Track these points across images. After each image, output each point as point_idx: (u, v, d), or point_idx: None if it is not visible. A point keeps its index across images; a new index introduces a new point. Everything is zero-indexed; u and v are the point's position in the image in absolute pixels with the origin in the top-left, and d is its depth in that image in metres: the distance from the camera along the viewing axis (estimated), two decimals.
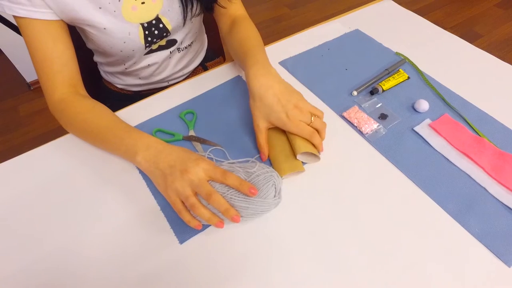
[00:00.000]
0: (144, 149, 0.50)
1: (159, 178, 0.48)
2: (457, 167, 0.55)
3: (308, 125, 0.53)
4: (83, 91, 0.62)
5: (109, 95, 0.85)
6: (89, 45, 0.69)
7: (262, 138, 0.55)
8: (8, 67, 1.79)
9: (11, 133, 1.66)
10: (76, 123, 0.58)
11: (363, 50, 0.77)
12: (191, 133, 0.61)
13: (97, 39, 0.62)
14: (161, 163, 0.48)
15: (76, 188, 0.54)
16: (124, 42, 0.63)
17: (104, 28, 0.59)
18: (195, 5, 0.67)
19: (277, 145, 0.55)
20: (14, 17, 0.54)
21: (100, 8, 0.58)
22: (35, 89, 1.87)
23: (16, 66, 1.76)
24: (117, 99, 0.84)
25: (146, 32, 0.64)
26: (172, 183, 0.45)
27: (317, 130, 0.54)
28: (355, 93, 0.67)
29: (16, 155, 0.59)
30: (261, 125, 0.55)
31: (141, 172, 0.56)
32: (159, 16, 0.64)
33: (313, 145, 0.54)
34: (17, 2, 0.52)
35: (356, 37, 0.81)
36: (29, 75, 1.83)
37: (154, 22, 0.64)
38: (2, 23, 1.31)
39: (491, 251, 0.46)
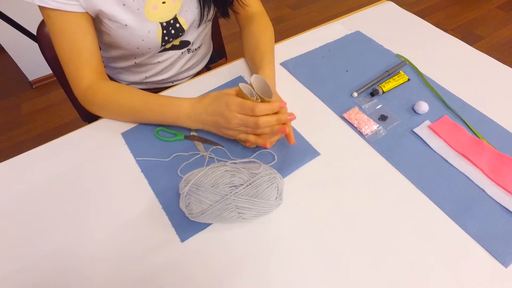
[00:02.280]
0: (186, 117, 0.58)
1: (213, 130, 0.57)
2: (456, 168, 0.55)
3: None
4: (107, 77, 0.65)
5: None
6: (104, 40, 0.70)
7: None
8: (11, 66, 1.79)
9: (13, 131, 1.67)
10: (108, 106, 0.61)
11: (364, 52, 0.77)
12: (193, 132, 0.61)
13: (116, 34, 0.63)
14: (207, 123, 0.57)
15: (78, 187, 0.55)
16: (143, 40, 0.65)
17: (126, 25, 0.61)
18: (212, 9, 0.70)
19: None
20: (41, 8, 0.55)
21: (124, 5, 0.59)
22: (37, 87, 1.88)
23: (19, 65, 1.76)
24: None
25: (164, 31, 0.66)
26: (226, 134, 0.56)
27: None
28: (355, 94, 0.67)
29: (18, 153, 0.59)
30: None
31: (143, 170, 0.56)
32: (177, 16, 0.66)
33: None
34: None
35: (357, 38, 0.81)
36: (31, 74, 1.84)
37: (172, 21, 0.66)
38: (5, 22, 1.32)
39: (488, 251, 0.46)
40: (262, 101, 0.53)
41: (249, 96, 0.52)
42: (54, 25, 0.57)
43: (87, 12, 0.58)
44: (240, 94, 0.54)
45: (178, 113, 0.58)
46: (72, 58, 0.59)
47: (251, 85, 0.54)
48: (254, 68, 0.69)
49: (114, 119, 0.64)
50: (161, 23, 0.65)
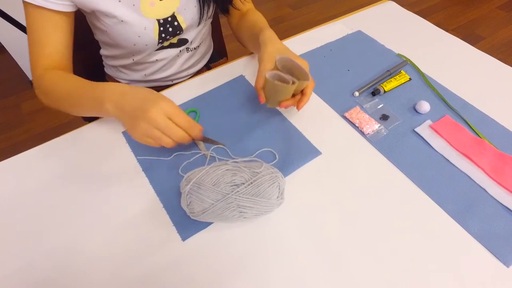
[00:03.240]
0: (109, 95, 0.51)
1: (127, 121, 0.50)
2: (457, 168, 0.55)
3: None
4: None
5: None
6: (101, 37, 0.70)
7: (260, 83, 0.57)
8: (11, 65, 1.79)
9: (14, 131, 1.67)
10: (52, 93, 0.59)
11: (365, 51, 0.77)
12: None
13: (112, 31, 0.63)
14: (126, 106, 0.49)
15: (78, 186, 0.55)
16: (139, 36, 0.64)
17: (122, 21, 0.61)
18: (211, 7, 0.70)
19: (270, 93, 0.56)
20: (24, 1, 0.55)
21: (119, 1, 0.59)
22: None
23: (19, 64, 1.76)
24: None
25: (161, 29, 0.66)
26: (138, 126, 0.48)
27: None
28: (356, 94, 0.67)
29: (18, 152, 0.59)
30: (263, 68, 0.57)
31: (144, 169, 0.56)
32: (175, 14, 0.66)
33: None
34: None
35: (358, 38, 0.81)
36: None
37: (169, 19, 0.66)
38: (6, 20, 1.32)
39: (490, 251, 0.46)
40: (299, 85, 0.52)
41: (283, 84, 0.51)
42: (29, 18, 0.57)
43: (72, 12, 0.59)
44: (270, 85, 0.53)
45: (107, 89, 0.52)
46: (34, 49, 0.59)
47: (277, 68, 0.53)
48: (254, 40, 0.66)
49: (58, 109, 0.61)
50: (158, 20, 0.65)
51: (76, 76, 0.59)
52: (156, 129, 0.47)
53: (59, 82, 0.59)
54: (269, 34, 0.62)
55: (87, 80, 0.57)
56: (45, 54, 0.60)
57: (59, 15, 0.57)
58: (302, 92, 0.57)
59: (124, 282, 0.45)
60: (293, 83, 0.53)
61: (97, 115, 0.59)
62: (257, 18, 0.73)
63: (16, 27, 1.37)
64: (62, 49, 0.61)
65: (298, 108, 0.58)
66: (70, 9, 0.58)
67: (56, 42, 0.59)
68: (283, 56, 0.54)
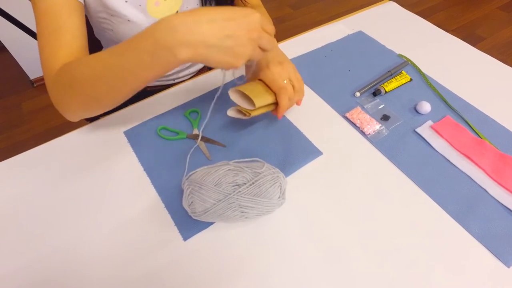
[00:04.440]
0: (171, 39, 0.39)
1: (221, 44, 0.40)
2: (458, 168, 0.56)
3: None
4: None
5: None
6: (106, 36, 0.70)
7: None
8: (12, 64, 1.79)
9: (14, 130, 1.67)
10: (78, 82, 0.48)
11: (366, 52, 0.77)
12: (195, 131, 0.61)
13: (118, 30, 0.63)
14: (213, 42, 0.39)
15: (80, 186, 0.55)
16: None
17: (128, 20, 0.61)
18: (213, 4, 0.70)
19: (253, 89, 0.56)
20: None
21: (126, 1, 0.60)
22: (38, 86, 1.88)
23: (20, 63, 1.76)
24: None
25: None
26: (246, 46, 0.41)
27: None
28: (357, 94, 0.67)
29: (19, 152, 0.59)
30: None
31: (145, 169, 0.56)
32: (179, 13, 0.66)
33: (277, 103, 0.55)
34: None
35: (359, 38, 0.81)
36: (33, 73, 1.84)
37: None
38: (7, 19, 1.32)
39: (490, 251, 0.47)
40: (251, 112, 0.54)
41: (244, 117, 0.54)
42: (41, 6, 0.51)
43: (78, 1, 0.54)
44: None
45: (153, 33, 0.40)
46: (51, 39, 0.51)
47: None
48: None
49: (86, 107, 0.51)
50: None
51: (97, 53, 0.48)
52: (265, 41, 0.43)
53: (86, 62, 0.48)
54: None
55: (116, 46, 0.45)
56: (63, 43, 0.51)
57: (73, 2, 0.53)
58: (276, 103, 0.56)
59: (125, 282, 0.45)
60: (249, 114, 0.54)
61: (155, 75, 0.44)
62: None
63: (17, 26, 1.36)
64: (80, 36, 0.54)
65: (278, 116, 0.56)
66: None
67: (73, 28, 0.52)
68: (233, 90, 0.55)
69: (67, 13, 0.52)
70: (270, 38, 0.44)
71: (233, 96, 0.54)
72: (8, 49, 1.68)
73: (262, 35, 0.42)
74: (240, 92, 0.55)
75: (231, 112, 0.56)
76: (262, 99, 0.54)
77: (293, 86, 0.56)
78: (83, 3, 0.57)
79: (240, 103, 0.54)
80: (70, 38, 0.52)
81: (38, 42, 0.53)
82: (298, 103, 0.59)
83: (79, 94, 0.49)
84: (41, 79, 1.87)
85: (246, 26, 0.40)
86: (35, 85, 1.88)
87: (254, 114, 0.54)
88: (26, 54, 1.73)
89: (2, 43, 1.66)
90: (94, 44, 0.78)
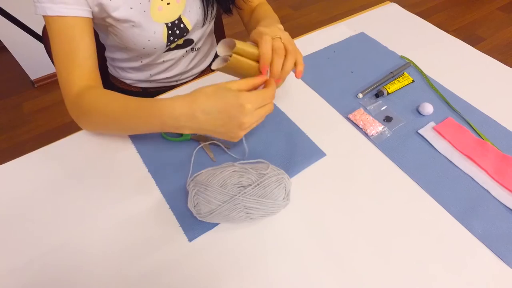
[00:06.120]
0: (174, 121, 0.48)
1: (214, 133, 0.48)
2: (461, 169, 0.56)
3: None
4: (99, 83, 0.61)
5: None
6: (110, 41, 0.71)
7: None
8: (13, 65, 1.79)
9: (15, 130, 1.67)
10: (92, 113, 0.56)
11: (368, 53, 0.78)
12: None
13: (123, 35, 0.64)
14: (205, 127, 0.47)
15: (84, 187, 0.55)
16: (149, 40, 0.65)
17: (133, 26, 0.62)
18: (215, 7, 0.71)
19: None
20: (45, 16, 0.54)
21: (131, 8, 0.60)
22: (39, 86, 1.88)
23: (21, 64, 1.76)
24: None
25: (169, 32, 0.67)
26: (234, 136, 0.48)
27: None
28: (360, 95, 0.68)
29: (20, 152, 0.59)
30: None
31: (150, 170, 0.57)
32: (181, 17, 0.67)
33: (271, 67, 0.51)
34: (61, 2, 0.52)
35: (362, 40, 0.82)
36: (34, 73, 1.84)
37: (176, 22, 0.67)
38: (8, 20, 1.32)
39: (493, 252, 0.47)
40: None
41: (248, 49, 0.49)
42: (55, 29, 0.55)
43: (91, 18, 0.58)
44: (240, 52, 0.49)
45: (161, 117, 0.48)
46: (65, 62, 0.56)
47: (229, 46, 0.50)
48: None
49: (101, 131, 0.60)
50: (166, 24, 0.66)
51: (118, 93, 0.55)
52: (256, 122, 0.49)
53: (100, 101, 0.55)
54: (269, 21, 0.60)
55: (132, 98, 0.53)
56: (76, 66, 0.56)
57: (83, 21, 0.56)
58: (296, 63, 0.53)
59: (130, 282, 0.45)
60: (228, 59, 0.49)
61: (152, 132, 0.55)
62: (265, 9, 0.72)
63: (18, 26, 1.37)
64: (91, 56, 0.58)
65: (262, 71, 0.51)
66: (89, 14, 0.57)
67: (85, 48, 0.57)
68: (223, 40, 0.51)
69: (79, 33, 0.56)
70: (271, 106, 0.49)
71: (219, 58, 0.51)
72: (9, 49, 1.68)
73: (254, 119, 0.47)
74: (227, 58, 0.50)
75: (215, 64, 0.51)
76: (245, 45, 0.49)
77: (285, 49, 0.51)
78: (91, 17, 0.58)
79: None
80: (82, 60, 0.57)
81: (55, 63, 0.57)
82: (297, 75, 0.53)
83: (93, 122, 0.58)
84: (42, 79, 1.87)
85: (236, 122, 0.46)
86: (36, 86, 1.88)
87: (238, 63, 0.49)
88: (27, 54, 1.73)
89: (3, 44, 1.66)
90: (97, 47, 0.78)
